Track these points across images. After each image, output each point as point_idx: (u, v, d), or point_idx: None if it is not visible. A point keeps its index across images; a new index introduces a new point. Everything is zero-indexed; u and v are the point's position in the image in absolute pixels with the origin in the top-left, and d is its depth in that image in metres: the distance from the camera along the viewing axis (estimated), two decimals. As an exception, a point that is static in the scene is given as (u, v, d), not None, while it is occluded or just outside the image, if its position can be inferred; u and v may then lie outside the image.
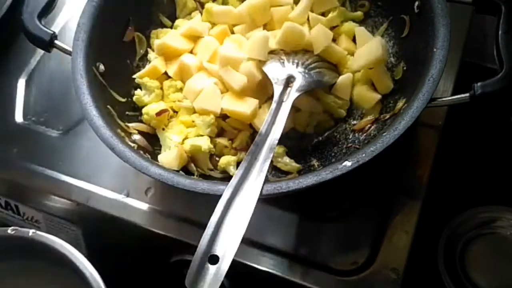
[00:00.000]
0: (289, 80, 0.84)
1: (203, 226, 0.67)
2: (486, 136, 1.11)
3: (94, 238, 0.95)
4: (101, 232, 0.95)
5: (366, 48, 0.86)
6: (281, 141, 0.78)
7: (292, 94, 0.82)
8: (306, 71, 0.86)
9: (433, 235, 0.95)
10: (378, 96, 0.85)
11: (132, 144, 0.81)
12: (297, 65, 0.86)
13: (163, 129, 0.88)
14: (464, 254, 0.96)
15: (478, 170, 1.08)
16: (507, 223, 0.97)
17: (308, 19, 0.90)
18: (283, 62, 0.87)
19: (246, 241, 0.83)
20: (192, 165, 0.85)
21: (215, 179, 0.84)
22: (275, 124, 0.78)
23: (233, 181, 0.70)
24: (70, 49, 0.85)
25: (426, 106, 0.72)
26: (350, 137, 0.87)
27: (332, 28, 0.91)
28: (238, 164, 0.85)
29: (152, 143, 0.87)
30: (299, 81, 0.84)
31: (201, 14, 0.96)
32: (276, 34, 0.88)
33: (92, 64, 0.85)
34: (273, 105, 0.80)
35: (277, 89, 0.83)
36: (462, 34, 0.96)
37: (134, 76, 0.92)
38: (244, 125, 0.87)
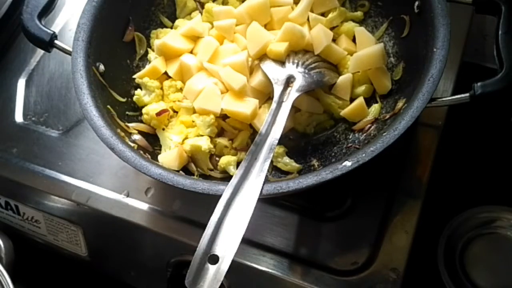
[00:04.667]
0: (289, 80, 0.84)
1: (203, 226, 0.67)
2: (486, 136, 1.11)
3: (94, 238, 0.95)
4: (101, 232, 0.95)
5: (366, 55, 0.86)
6: (281, 141, 0.78)
7: (292, 94, 0.82)
8: (306, 71, 0.86)
9: (433, 235, 0.95)
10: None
11: (132, 144, 0.81)
12: (297, 65, 0.86)
13: (163, 129, 0.88)
14: (464, 254, 0.96)
15: (478, 170, 1.08)
16: (507, 223, 0.97)
17: (308, 19, 0.90)
18: (283, 62, 0.87)
19: (246, 241, 0.83)
20: (192, 165, 0.85)
21: (215, 179, 0.84)
22: (275, 124, 0.78)
23: (233, 181, 0.70)
24: (70, 49, 0.85)
25: (426, 106, 0.72)
26: (350, 137, 0.87)
27: (332, 28, 0.91)
28: (238, 164, 0.85)
29: (152, 143, 0.87)
30: (299, 81, 0.84)
31: (201, 14, 0.96)
32: (276, 34, 0.88)
33: (92, 64, 0.85)
34: (273, 105, 0.80)
35: (277, 89, 0.83)
36: (462, 34, 0.96)
37: (134, 76, 0.92)
38: (244, 125, 0.87)
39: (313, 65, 0.87)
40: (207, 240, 0.66)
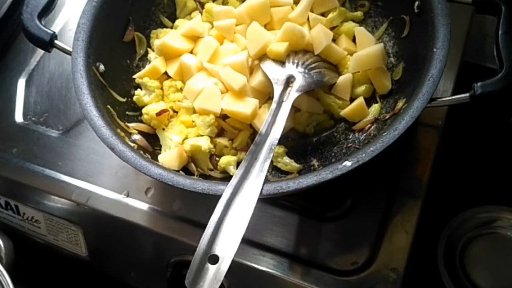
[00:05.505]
0: (289, 80, 0.84)
1: (203, 226, 0.67)
2: (486, 136, 1.11)
3: (94, 238, 0.95)
4: (101, 232, 0.95)
5: (366, 55, 0.86)
6: (281, 141, 0.78)
7: (292, 94, 0.82)
8: (306, 71, 0.86)
9: (433, 235, 0.95)
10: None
11: (132, 144, 0.81)
12: (297, 65, 0.86)
13: (163, 129, 0.88)
14: (464, 254, 0.96)
15: (478, 170, 1.08)
16: (507, 223, 0.97)
17: (308, 19, 0.90)
18: (283, 62, 0.87)
19: (246, 241, 0.83)
20: (192, 165, 0.85)
21: (215, 179, 0.84)
22: (275, 124, 0.78)
23: (233, 181, 0.70)
24: (70, 49, 0.85)
25: (426, 106, 0.72)
26: (350, 137, 0.87)
27: (332, 28, 0.91)
28: (238, 164, 0.85)
29: (152, 143, 0.87)
30: (299, 81, 0.84)
31: (201, 14, 0.96)
32: (276, 34, 0.88)
33: (92, 64, 0.85)
34: (273, 105, 0.80)
35: (277, 89, 0.83)
36: (462, 34, 0.96)
37: (134, 76, 0.92)
38: (244, 125, 0.87)
39: (313, 65, 0.87)
40: (207, 240, 0.66)
